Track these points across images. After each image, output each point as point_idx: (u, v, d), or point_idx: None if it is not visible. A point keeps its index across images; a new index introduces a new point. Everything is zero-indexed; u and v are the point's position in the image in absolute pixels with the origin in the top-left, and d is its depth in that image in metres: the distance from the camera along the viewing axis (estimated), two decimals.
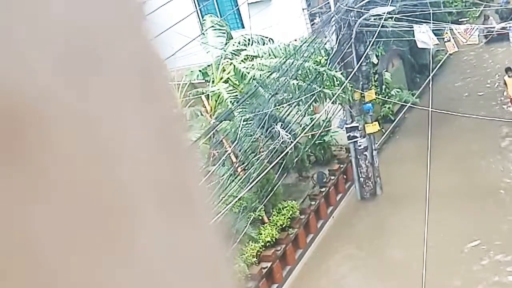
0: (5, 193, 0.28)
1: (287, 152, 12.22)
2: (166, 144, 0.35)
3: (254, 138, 12.45)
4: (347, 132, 14.52)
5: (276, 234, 12.60)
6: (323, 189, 14.38)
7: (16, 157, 0.29)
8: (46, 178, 0.29)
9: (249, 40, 13.81)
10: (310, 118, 14.21)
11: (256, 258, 12.07)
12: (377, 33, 13.44)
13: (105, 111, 0.32)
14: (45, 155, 0.29)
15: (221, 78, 13.33)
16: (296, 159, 13.62)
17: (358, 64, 13.77)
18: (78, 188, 0.30)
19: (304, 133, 13.57)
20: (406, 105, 15.45)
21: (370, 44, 13.90)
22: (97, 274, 0.31)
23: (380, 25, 13.33)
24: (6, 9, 0.29)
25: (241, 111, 12.40)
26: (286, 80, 12.62)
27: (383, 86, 17.08)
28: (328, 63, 13.76)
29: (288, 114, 13.22)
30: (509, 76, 16.69)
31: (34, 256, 0.29)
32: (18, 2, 0.30)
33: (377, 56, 16.04)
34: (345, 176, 15.36)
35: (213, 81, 13.48)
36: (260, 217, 12.72)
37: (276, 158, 11.96)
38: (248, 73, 12.79)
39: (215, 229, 0.37)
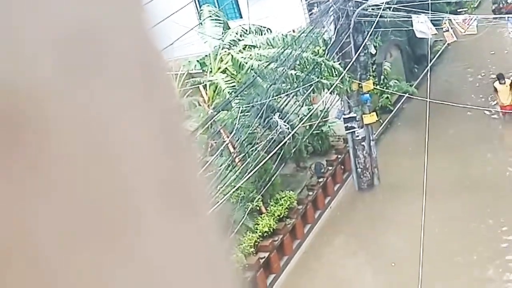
0: (5, 192, 0.28)
1: (285, 142, 12.23)
2: (167, 140, 0.34)
3: (252, 128, 12.46)
4: (345, 123, 14.53)
5: (273, 224, 12.63)
6: (320, 180, 14.41)
7: (16, 156, 0.28)
8: (46, 177, 0.29)
9: (247, 30, 13.78)
10: (308, 109, 14.21)
11: (254, 248, 12.11)
12: (375, 23, 13.43)
13: (106, 106, 0.31)
14: (45, 153, 0.29)
15: (219, 68, 13.31)
16: (294, 149, 13.63)
17: (356, 55, 13.76)
18: (78, 187, 0.30)
19: (302, 124, 13.58)
20: (404, 96, 15.46)
21: (369, 34, 13.89)
22: (98, 273, 0.31)
23: (379, 15, 13.31)
24: (6, 5, 0.29)
25: (239, 101, 12.40)
26: (284, 70, 12.60)
27: (381, 77, 17.08)
28: (326, 54, 13.74)
29: (286, 105, 13.22)
30: (500, 83, 16.20)
31: (34, 256, 0.29)
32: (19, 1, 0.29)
33: (375, 46, 16.03)
34: (342, 167, 15.38)
35: (211, 71, 13.46)
36: (258, 207, 12.74)
37: (274, 149, 11.97)
38: (246, 63, 12.77)
39: (215, 225, 0.37)
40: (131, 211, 0.32)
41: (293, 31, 14.26)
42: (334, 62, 13.43)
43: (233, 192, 11.38)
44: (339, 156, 15.31)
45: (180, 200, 0.34)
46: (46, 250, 0.29)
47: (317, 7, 14.95)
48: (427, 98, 12.42)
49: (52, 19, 0.30)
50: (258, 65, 12.66)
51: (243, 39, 13.51)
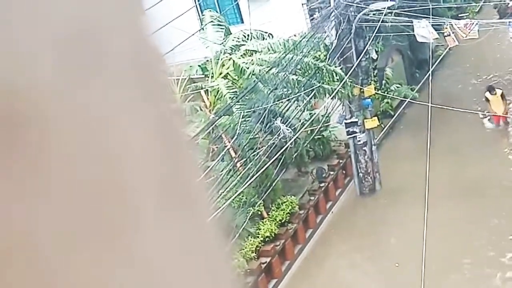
0: (6, 192, 0.28)
1: (286, 147, 12.21)
2: (166, 142, 0.35)
3: (253, 133, 12.45)
4: (346, 128, 14.51)
5: (275, 229, 12.61)
6: (322, 185, 14.38)
7: (16, 156, 0.28)
8: (46, 177, 0.29)
9: (248, 35, 13.79)
10: (309, 114, 14.20)
11: (255, 253, 12.08)
12: (377, 28, 13.43)
13: (105, 107, 0.31)
14: (45, 153, 0.29)
15: (220, 73, 13.31)
16: (295, 154, 13.62)
17: (358, 60, 13.75)
18: (78, 187, 0.30)
19: (304, 129, 13.56)
20: (406, 100, 15.45)
21: (370, 39, 13.88)
22: (98, 273, 0.31)
23: (380, 20, 13.31)
24: (6, 6, 0.29)
25: (240, 106, 12.39)
26: (285, 75, 12.60)
27: (383, 82, 17.07)
28: (327, 58, 13.74)
29: (287, 110, 13.21)
30: (491, 94, 16.33)
31: (35, 256, 0.29)
32: (19, 2, 0.29)
33: (376, 51, 16.03)
34: (344, 172, 15.36)
35: (212, 76, 13.46)
36: (259, 212, 12.72)
37: (275, 153, 11.96)
38: (248, 68, 12.77)
39: (215, 226, 0.37)
40: (130, 211, 0.32)
41: (295, 36, 14.26)
42: (335, 67, 13.43)
43: (235, 197, 11.37)
44: (340, 161, 15.29)
45: (179, 200, 0.34)
46: (46, 249, 0.29)
47: (318, 12, 14.97)
48: (428, 103, 12.40)
49: (51, 20, 0.30)
50: (260, 70, 12.66)
51: (244, 44, 13.52)
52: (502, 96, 16.24)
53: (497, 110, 16.14)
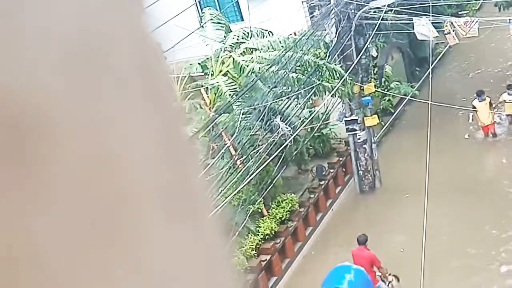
0: (8, 197, 0.28)
1: (286, 145, 12.22)
2: (168, 144, 0.34)
3: (253, 131, 12.45)
4: (346, 125, 14.52)
5: (275, 227, 12.61)
6: (322, 182, 14.39)
7: (19, 161, 0.28)
8: (48, 182, 0.29)
9: (248, 33, 13.78)
10: (309, 111, 14.20)
11: (256, 251, 12.09)
12: (377, 26, 13.43)
13: (106, 112, 0.31)
14: (47, 159, 0.29)
15: (220, 71, 13.31)
16: (295, 152, 13.62)
17: (358, 57, 13.75)
18: (81, 192, 0.30)
19: (303, 126, 13.56)
20: (406, 98, 15.46)
21: (370, 37, 13.88)
22: (101, 279, 0.31)
23: (380, 18, 13.31)
24: (8, 10, 0.29)
25: (240, 104, 12.39)
26: (285, 73, 12.60)
27: (383, 79, 17.07)
28: (327, 56, 13.74)
29: (287, 107, 13.21)
30: (479, 101, 15.31)
31: (37, 263, 0.29)
32: (19, 4, 0.29)
33: (376, 49, 16.03)
34: (344, 169, 15.37)
35: (212, 74, 13.46)
36: (259, 210, 12.72)
37: (275, 151, 11.96)
38: (247, 66, 12.77)
39: (216, 230, 0.37)
40: (132, 215, 0.32)
41: (295, 33, 14.26)
42: (335, 64, 13.43)
43: (235, 194, 11.37)
44: (340, 159, 15.29)
45: (181, 204, 0.34)
46: (48, 256, 0.29)
47: (318, 10, 14.96)
48: (428, 101, 12.41)
49: (52, 22, 0.30)
50: (260, 68, 12.65)
51: (244, 42, 13.51)
52: (490, 104, 15.34)
53: (484, 120, 15.23)
